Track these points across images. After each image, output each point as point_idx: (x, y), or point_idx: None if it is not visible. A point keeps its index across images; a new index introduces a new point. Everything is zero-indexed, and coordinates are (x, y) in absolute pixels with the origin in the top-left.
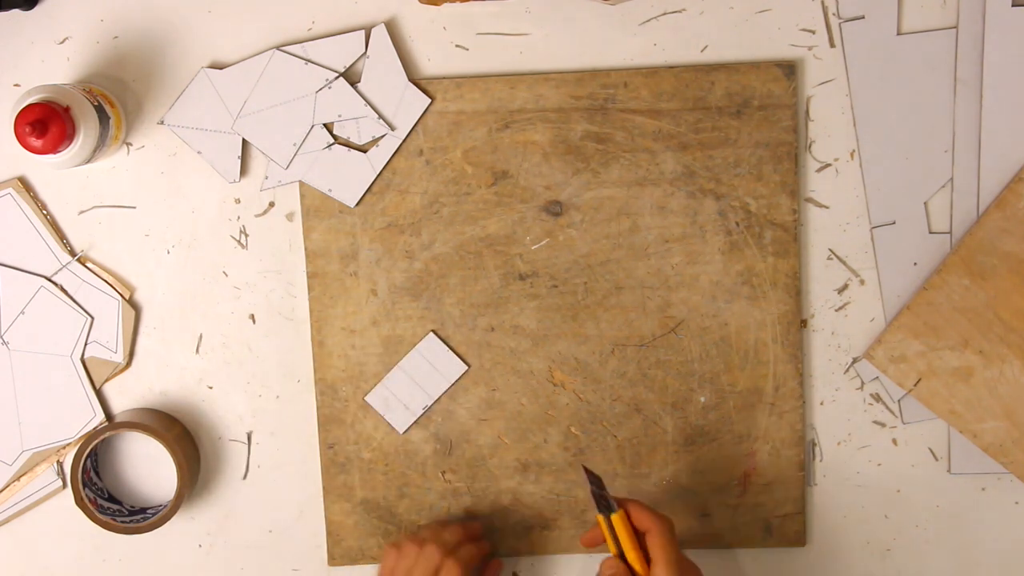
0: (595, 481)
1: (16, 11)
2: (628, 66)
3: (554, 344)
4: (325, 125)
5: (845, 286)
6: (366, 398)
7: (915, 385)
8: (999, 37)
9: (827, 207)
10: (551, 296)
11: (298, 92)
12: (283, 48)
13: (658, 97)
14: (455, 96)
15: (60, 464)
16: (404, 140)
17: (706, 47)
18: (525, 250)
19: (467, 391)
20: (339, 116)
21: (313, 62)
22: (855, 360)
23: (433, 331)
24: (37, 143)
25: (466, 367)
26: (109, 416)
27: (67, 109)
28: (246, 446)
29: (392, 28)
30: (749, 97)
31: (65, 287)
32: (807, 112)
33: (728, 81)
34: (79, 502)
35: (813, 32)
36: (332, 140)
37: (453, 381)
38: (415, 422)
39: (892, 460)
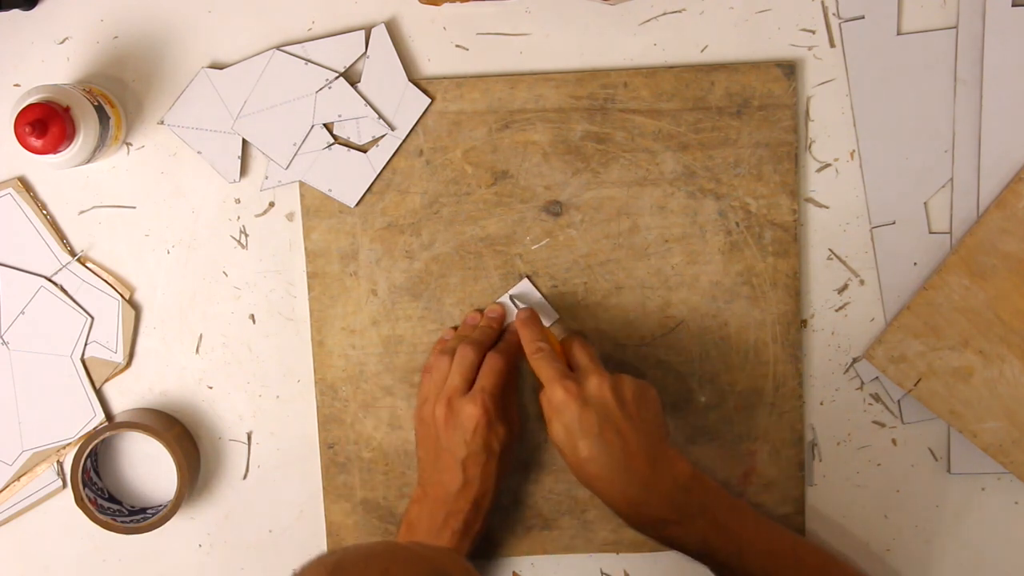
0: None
1: (16, 11)
2: (628, 66)
3: None
4: (325, 125)
5: (845, 286)
6: None
7: (915, 385)
8: (999, 37)
9: (827, 207)
10: (551, 296)
11: (298, 92)
12: (283, 48)
13: (658, 97)
14: (455, 96)
15: (60, 464)
16: (404, 140)
17: (706, 47)
18: (525, 250)
19: None
20: (339, 116)
21: (313, 62)
22: (855, 360)
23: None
24: (37, 143)
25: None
26: (109, 416)
27: (67, 109)
28: (246, 446)
29: (392, 28)
30: (749, 97)
31: (65, 287)
32: (807, 112)
33: (728, 81)
34: (79, 502)
35: (813, 32)
36: (332, 140)
37: None
38: None
39: (892, 460)
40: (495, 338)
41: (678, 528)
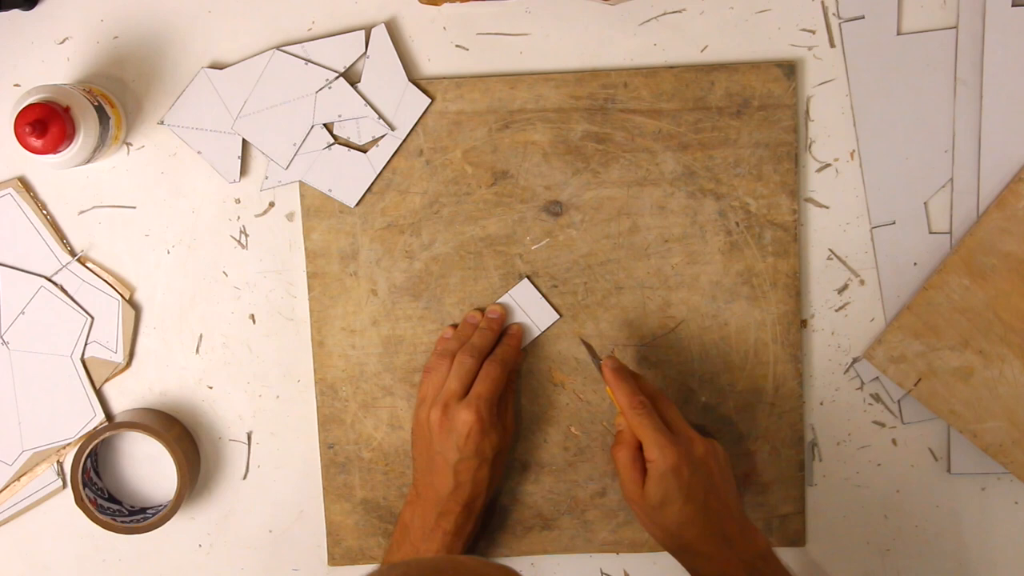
0: (593, 352)
1: (16, 11)
2: (628, 66)
3: (554, 344)
4: (325, 125)
5: (845, 286)
6: None
7: (915, 385)
8: (999, 37)
9: (827, 207)
10: (551, 296)
11: (298, 92)
12: (283, 48)
13: (658, 97)
14: (455, 96)
15: (60, 464)
16: (404, 140)
17: (706, 47)
18: (525, 250)
19: None
20: (339, 116)
21: (313, 62)
22: (855, 360)
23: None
24: (37, 143)
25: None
26: (109, 416)
27: (67, 109)
28: (246, 446)
29: (392, 28)
30: (749, 97)
31: (65, 287)
32: (807, 112)
33: (728, 81)
34: (79, 502)
35: (813, 32)
36: (332, 140)
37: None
38: None
39: (892, 460)
40: (495, 340)
41: None
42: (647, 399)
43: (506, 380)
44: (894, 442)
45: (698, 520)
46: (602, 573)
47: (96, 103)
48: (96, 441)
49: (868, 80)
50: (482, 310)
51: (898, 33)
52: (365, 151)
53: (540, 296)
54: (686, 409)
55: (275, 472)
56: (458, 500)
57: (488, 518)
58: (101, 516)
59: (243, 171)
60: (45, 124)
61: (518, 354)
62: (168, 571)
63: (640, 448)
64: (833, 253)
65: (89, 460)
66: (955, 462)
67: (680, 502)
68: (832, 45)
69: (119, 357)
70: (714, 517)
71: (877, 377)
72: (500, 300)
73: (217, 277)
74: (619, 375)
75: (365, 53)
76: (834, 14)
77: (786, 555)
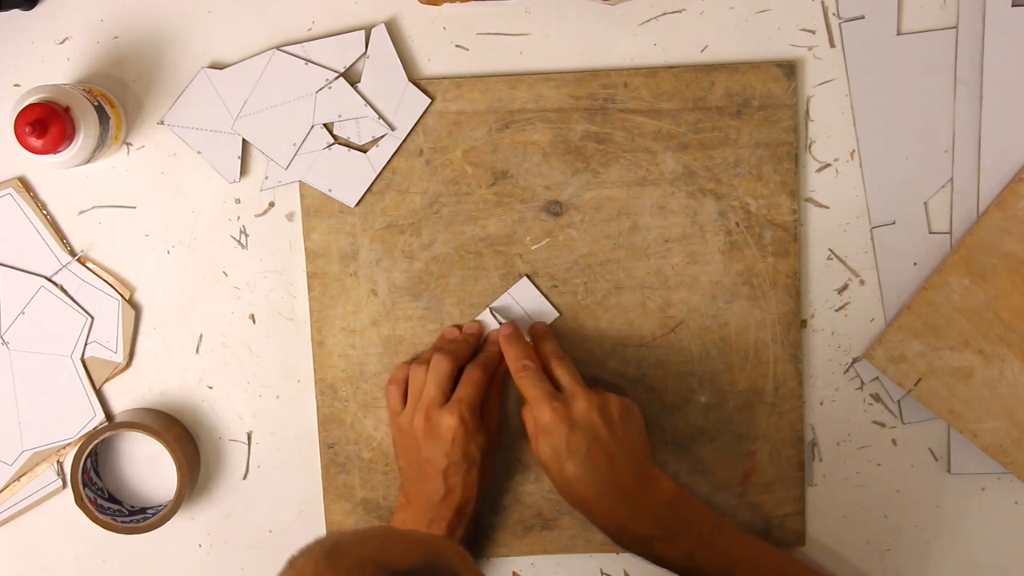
0: (498, 321)
1: (16, 11)
2: (628, 66)
3: None
4: (325, 125)
5: (845, 286)
6: None
7: (915, 385)
8: (999, 37)
9: (827, 207)
10: (551, 296)
11: (298, 92)
12: (283, 48)
13: (658, 97)
14: (455, 96)
15: (60, 464)
16: (404, 140)
17: (706, 47)
18: (525, 250)
19: None
20: (339, 116)
21: (313, 62)
22: (855, 360)
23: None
24: (37, 143)
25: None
26: (109, 416)
27: (67, 109)
28: (246, 446)
29: (392, 28)
30: (749, 97)
31: (65, 287)
32: (807, 112)
33: (728, 81)
34: (79, 502)
35: (813, 32)
36: (332, 140)
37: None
38: None
39: (892, 460)
40: (471, 352)
41: (664, 545)
42: (533, 362)
43: (488, 384)
44: (894, 442)
45: (583, 476)
46: (602, 573)
47: (96, 103)
48: (96, 441)
49: (868, 80)
50: (460, 327)
51: (898, 33)
52: (365, 151)
53: (539, 294)
54: (686, 409)
55: (275, 472)
56: (449, 506)
57: (477, 526)
58: (101, 516)
59: (243, 171)
60: (45, 124)
61: (501, 359)
62: (168, 571)
63: None
64: (833, 253)
65: (89, 460)
66: (955, 462)
67: (563, 458)
68: (832, 45)
69: (119, 357)
70: (600, 473)
71: (877, 377)
72: (500, 299)
73: (217, 277)
74: (508, 340)
75: (365, 53)
76: (834, 14)
77: None
